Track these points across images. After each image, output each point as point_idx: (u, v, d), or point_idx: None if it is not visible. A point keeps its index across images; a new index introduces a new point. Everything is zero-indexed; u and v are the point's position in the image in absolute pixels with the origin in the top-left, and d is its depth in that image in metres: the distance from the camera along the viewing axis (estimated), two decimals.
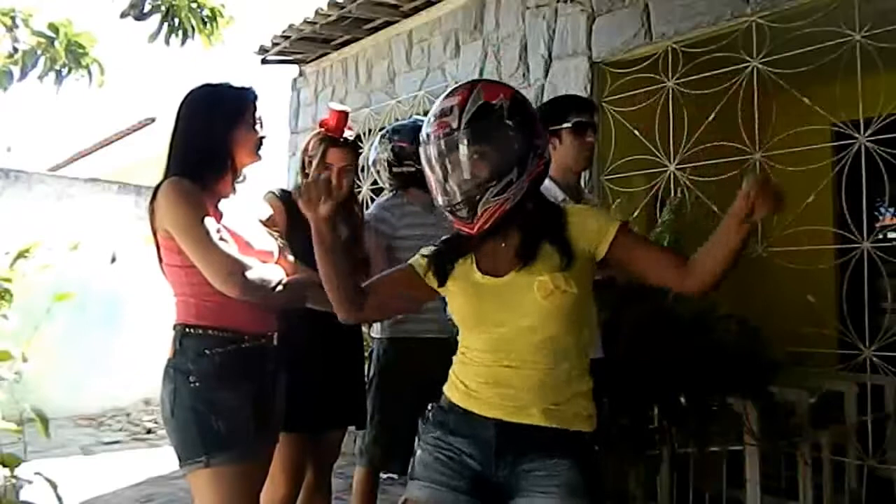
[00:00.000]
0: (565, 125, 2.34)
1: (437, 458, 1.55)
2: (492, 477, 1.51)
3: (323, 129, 2.39)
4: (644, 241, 1.65)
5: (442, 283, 1.61)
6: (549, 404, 1.51)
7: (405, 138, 2.72)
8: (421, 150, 1.56)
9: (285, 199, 2.37)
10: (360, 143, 2.84)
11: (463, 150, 1.47)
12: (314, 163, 2.37)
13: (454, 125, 1.47)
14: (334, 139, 2.38)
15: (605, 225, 1.53)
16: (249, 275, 1.74)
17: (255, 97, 1.91)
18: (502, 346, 1.54)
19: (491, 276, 1.55)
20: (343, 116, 2.37)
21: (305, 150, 2.43)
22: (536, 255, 1.51)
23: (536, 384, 1.52)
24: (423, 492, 1.53)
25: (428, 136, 1.53)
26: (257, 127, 1.89)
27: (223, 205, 1.86)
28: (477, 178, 1.48)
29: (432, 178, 1.55)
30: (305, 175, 2.42)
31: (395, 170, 2.75)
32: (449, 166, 1.50)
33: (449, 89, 1.56)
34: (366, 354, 2.68)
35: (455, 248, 1.63)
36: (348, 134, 2.41)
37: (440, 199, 1.56)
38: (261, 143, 1.91)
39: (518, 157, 1.49)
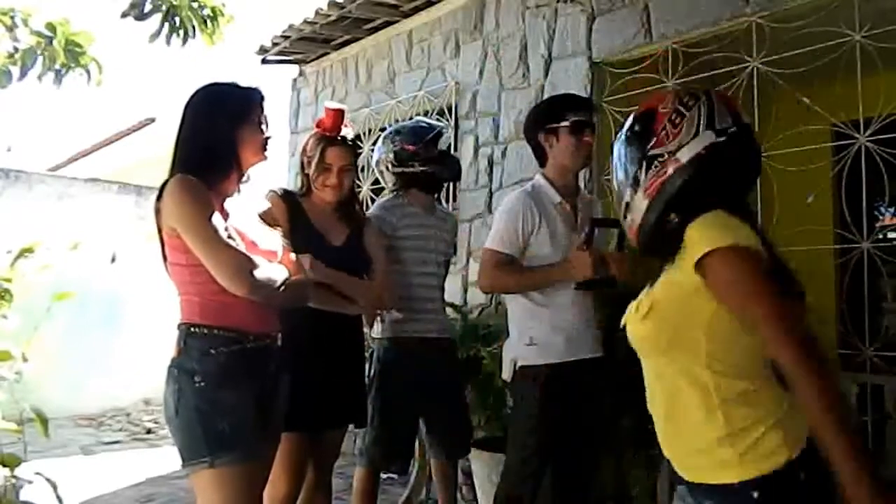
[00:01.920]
0: (563, 124, 2.33)
1: None
2: None
3: (319, 129, 2.40)
4: (737, 293, 1.29)
5: None
6: (683, 456, 1.42)
7: (408, 139, 2.73)
8: None
9: (287, 198, 2.38)
10: (359, 143, 2.85)
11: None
12: (313, 163, 2.38)
13: None
14: (332, 138, 2.38)
15: (698, 243, 1.32)
16: (257, 273, 1.74)
17: (262, 97, 1.91)
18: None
19: None
20: (339, 114, 2.37)
21: (304, 150, 2.44)
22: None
23: (666, 433, 1.45)
24: None
25: None
26: (263, 127, 1.89)
27: (228, 204, 1.86)
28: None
29: None
30: (305, 175, 2.43)
31: (397, 170, 2.75)
32: None
33: None
34: (366, 355, 2.67)
35: None
36: (346, 132, 2.41)
37: None
38: (267, 144, 1.91)
39: (630, 178, 1.44)
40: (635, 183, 1.43)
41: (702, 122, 1.38)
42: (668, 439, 1.45)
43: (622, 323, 1.48)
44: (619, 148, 1.49)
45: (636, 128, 1.45)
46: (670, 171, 1.38)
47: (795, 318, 1.29)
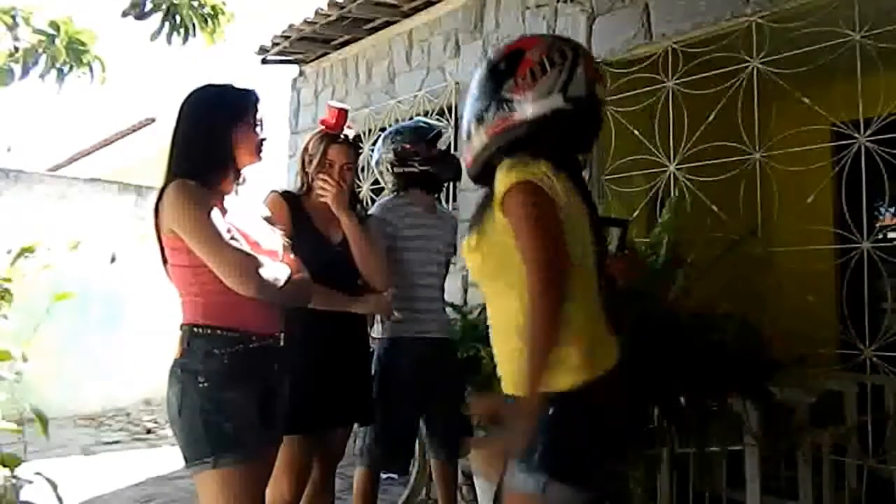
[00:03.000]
0: None
1: None
2: None
3: (323, 128, 2.40)
4: (517, 229, 1.40)
5: None
6: (507, 371, 1.53)
7: (408, 139, 2.73)
8: None
9: (287, 198, 2.38)
10: (360, 143, 2.85)
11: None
12: (314, 161, 2.38)
13: None
14: (334, 137, 2.38)
15: (499, 183, 1.42)
16: (262, 273, 1.75)
17: (258, 99, 1.92)
18: None
19: None
20: (342, 114, 2.38)
21: (305, 149, 2.44)
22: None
23: (498, 352, 1.55)
24: None
25: None
26: (258, 129, 1.90)
27: (228, 204, 1.87)
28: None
29: None
30: (305, 174, 2.43)
31: (397, 170, 2.75)
32: None
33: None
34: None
35: None
36: (348, 132, 2.42)
37: None
38: (261, 145, 1.91)
39: (478, 111, 1.52)
40: (481, 117, 1.50)
41: (558, 84, 1.45)
42: (498, 357, 1.54)
43: (462, 253, 1.56)
44: (479, 77, 1.54)
45: (500, 66, 1.50)
46: (513, 120, 1.46)
47: (555, 255, 1.37)
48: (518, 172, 1.40)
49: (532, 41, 1.52)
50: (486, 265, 1.50)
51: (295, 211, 2.35)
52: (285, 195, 2.39)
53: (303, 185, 2.44)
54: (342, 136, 2.39)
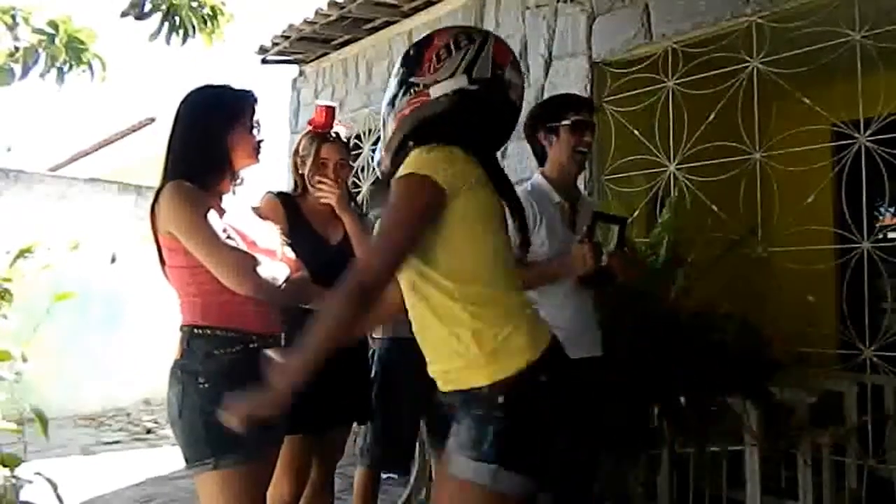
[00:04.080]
0: (563, 123, 2.33)
1: None
2: None
3: (311, 128, 2.40)
4: (382, 217, 1.46)
5: None
6: (441, 364, 1.50)
7: None
8: None
9: (283, 200, 2.37)
10: (359, 143, 2.84)
11: None
12: (308, 161, 2.38)
13: None
14: (324, 135, 2.38)
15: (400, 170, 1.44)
16: (260, 272, 1.75)
17: (255, 100, 1.91)
18: None
19: None
20: (330, 112, 2.38)
21: (296, 151, 2.44)
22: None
23: (426, 348, 1.54)
24: None
25: None
26: (255, 131, 1.89)
27: (225, 204, 1.86)
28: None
29: None
30: (300, 175, 2.43)
31: None
32: None
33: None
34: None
35: None
36: (338, 129, 2.41)
37: None
38: (259, 147, 1.91)
39: (390, 97, 1.55)
40: (392, 103, 1.54)
41: (462, 65, 1.47)
42: (428, 353, 1.53)
43: None
44: (395, 66, 1.57)
45: (411, 52, 1.54)
46: (420, 102, 1.48)
47: (385, 266, 1.42)
48: (411, 163, 1.41)
49: (442, 30, 1.54)
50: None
51: (291, 212, 2.35)
52: (280, 196, 2.38)
53: (297, 186, 2.44)
54: (332, 134, 2.39)
